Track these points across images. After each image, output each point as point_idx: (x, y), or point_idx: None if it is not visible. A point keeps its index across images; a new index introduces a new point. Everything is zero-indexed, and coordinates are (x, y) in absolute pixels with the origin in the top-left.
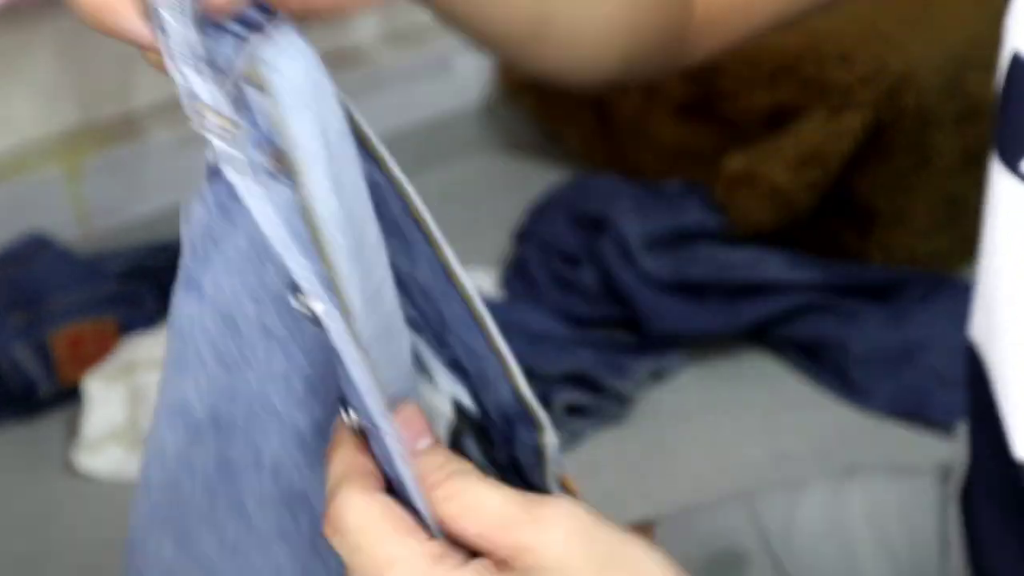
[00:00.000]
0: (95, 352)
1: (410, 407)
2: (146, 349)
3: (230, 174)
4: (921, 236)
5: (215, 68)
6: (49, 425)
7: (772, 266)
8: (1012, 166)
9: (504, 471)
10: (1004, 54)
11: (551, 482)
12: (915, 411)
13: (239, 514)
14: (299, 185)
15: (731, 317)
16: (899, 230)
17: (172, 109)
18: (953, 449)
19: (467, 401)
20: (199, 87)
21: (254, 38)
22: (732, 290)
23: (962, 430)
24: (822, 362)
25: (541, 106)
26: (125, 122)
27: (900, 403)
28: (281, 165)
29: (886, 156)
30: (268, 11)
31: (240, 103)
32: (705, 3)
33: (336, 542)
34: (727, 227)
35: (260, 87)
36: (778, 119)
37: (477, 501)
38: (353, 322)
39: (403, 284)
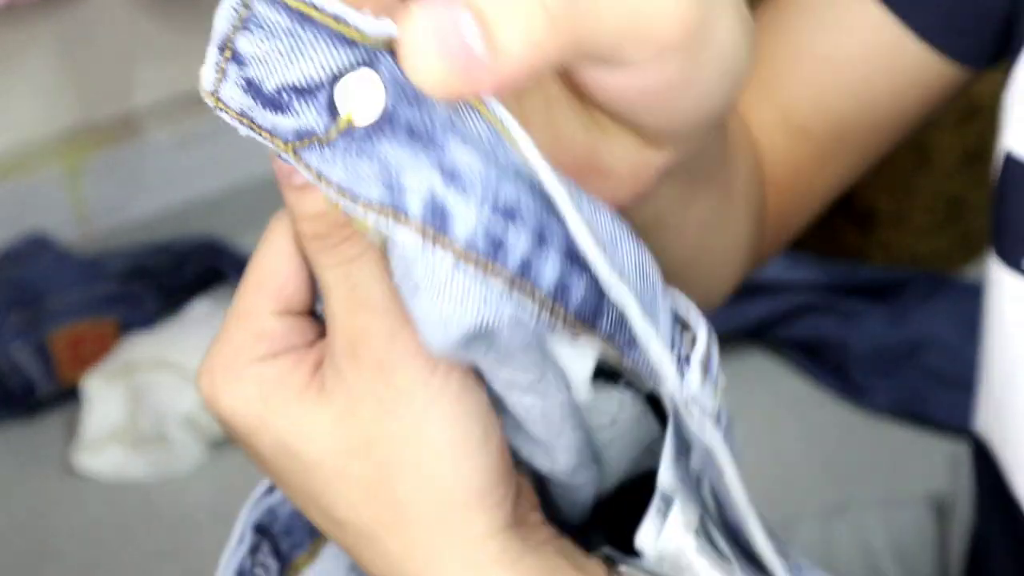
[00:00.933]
0: (94, 352)
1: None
2: (146, 349)
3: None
4: (921, 236)
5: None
6: (48, 425)
7: (772, 266)
8: (1015, 264)
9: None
10: (998, 151)
11: None
12: (915, 411)
13: None
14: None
15: (731, 317)
16: (899, 230)
17: (172, 108)
18: (948, 481)
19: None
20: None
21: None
22: None
23: (960, 485)
24: (822, 362)
25: None
26: (125, 122)
27: (900, 403)
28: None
29: (886, 156)
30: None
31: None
32: (772, 206)
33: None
34: None
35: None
36: None
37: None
38: None
39: (699, 480)
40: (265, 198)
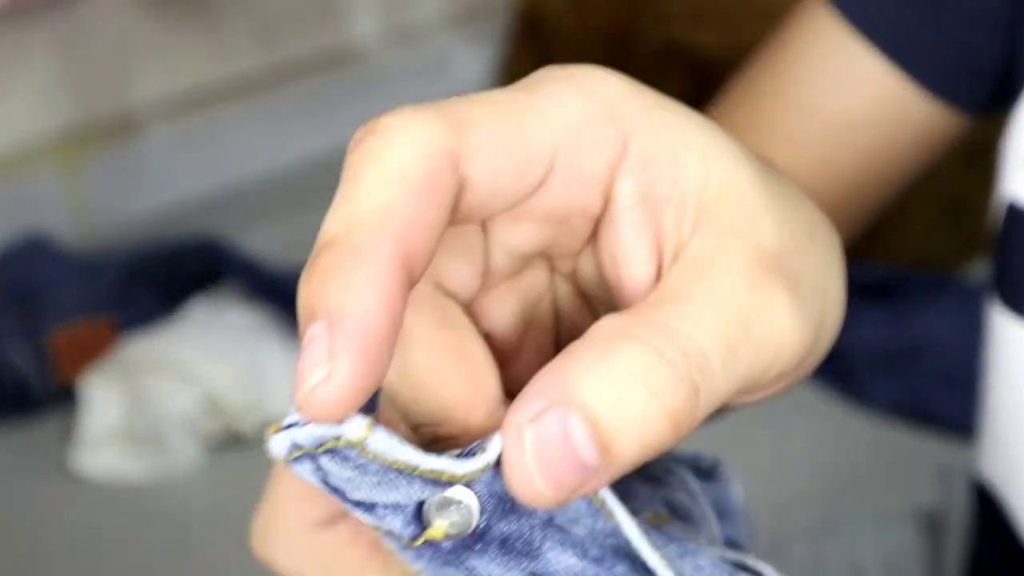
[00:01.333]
0: (92, 352)
1: None
2: (144, 349)
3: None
4: (923, 235)
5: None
6: (45, 426)
7: None
8: (1021, 311)
9: None
10: (998, 197)
11: None
12: (917, 411)
13: None
14: None
15: None
16: (901, 229)
17: (171, 108)
18: (939, 495)
19: None
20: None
21: None
22: None
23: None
24: (823, 362)
25: None
26: (123, 119)
27: (902, 403)
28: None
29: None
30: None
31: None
32: None
33: None
34: None
35: None
36: None
37: None
38: None
39: None
40: (265, 198)
